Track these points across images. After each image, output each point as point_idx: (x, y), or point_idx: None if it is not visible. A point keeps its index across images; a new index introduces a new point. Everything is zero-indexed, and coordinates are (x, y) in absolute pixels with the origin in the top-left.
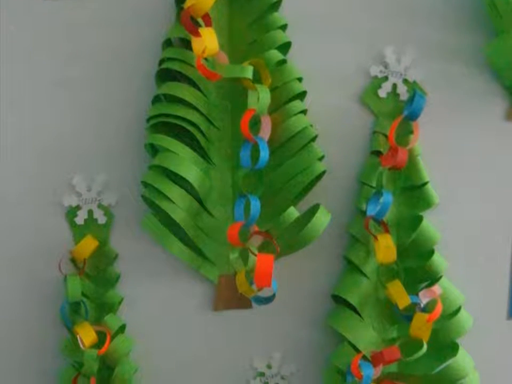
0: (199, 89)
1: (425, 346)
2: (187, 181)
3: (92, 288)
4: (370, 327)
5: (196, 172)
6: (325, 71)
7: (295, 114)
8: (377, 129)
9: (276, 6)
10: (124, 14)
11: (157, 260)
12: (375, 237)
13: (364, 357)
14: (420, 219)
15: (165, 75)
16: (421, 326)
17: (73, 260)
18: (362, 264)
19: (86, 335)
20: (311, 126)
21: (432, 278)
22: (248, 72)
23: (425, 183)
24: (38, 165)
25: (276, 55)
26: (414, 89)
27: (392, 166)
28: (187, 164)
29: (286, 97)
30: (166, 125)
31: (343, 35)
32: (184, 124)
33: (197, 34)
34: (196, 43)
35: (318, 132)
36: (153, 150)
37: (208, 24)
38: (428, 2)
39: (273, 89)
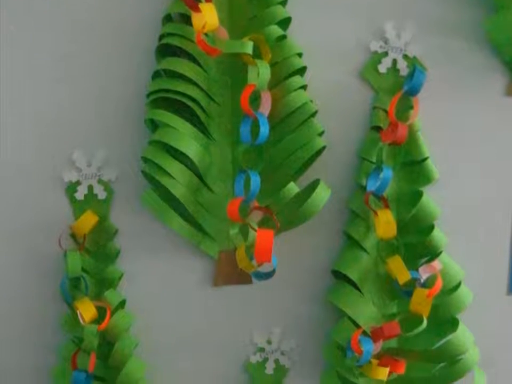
0: (199, 64)
1: (425, 322)
2: (187, 157)
3: (92, 263)
4: (370, 302)
5: (195, 147)
6: (325, 47)
7: (295, 90)
8: (377, 105)
9: None
10: None
11: (157, 235)
12: (375, 212)
13: (364, 332)
14: (420, 194)
15: (165, 50)
16: (421, 302)
17: (73, 235)
18: (362, 240)
19: (86, 310)
20: (311, 101)
21: (432, 253)
22: (248, 47)
23: (425, 159)
24: (38, 140)
25: (275, 30)
26: (414, 65)
27: (392, 142)
28: (187, 139)
29: (286, 72)
30: (166, 100)
31: (343, 10)
32: (184, 99)
33: (197, 9)
34: (196, 18)
35: (318, 107)
36: (153, 125)
37: None
38: None
39: (273, 65)
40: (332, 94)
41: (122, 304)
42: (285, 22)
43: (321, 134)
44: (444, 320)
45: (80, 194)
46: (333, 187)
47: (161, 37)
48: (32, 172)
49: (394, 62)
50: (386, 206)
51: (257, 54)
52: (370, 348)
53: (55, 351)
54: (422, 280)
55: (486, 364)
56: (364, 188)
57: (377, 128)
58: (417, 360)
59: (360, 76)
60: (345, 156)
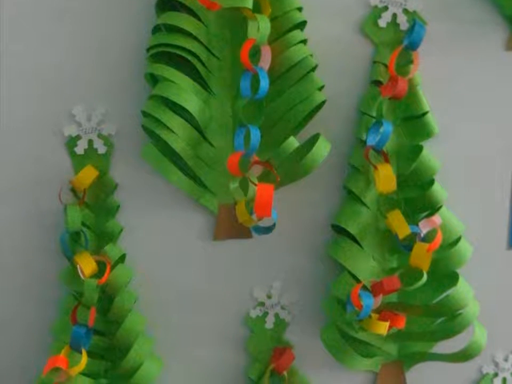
0: (199, 19)
1: (425, 276)
2: (187, 111)
3: (92, 217)
4: (370, 257)
5: (195, 102)
6: (325, 1)
7: (295, 44)
8: (377, 59)
9: None
10: None
11: (157, 189)
12: (375, 167)
13: (364, 287)
14: (419, 149)
15: (165, 5)
16: (421, 256)
17: (73, 190)
18: (362, 194)
19: (86, 264)
20: (311, 56)
21: (432, 208)
22: (248, 1)
23: (425, 113)
24: (38, 94)
25: None
26: (414, 19)
27: (392, 96)
28: (187, 94)
29: (286, 27)
30: (166, 55)
31: None
32: (184, 54)
33: None
34: None
35: (318, 62)
36: (153, 80)
37: None
38: None
39: (273, 19)
40: (332, 49)
41: (122, 258)
42: None
43: (321, 88)
44: (444, 275)
45: (80, 148)
46: (332, 141)
47: None
48: (32, 127)
49: (394, 16)
50: (386, 161)
51: (257, 8)
52: (370, 302)
53: (55, 305)
54: (422, 235)
55: (486, 318)
56: (363, 142)
57: (377, 83)
58: (417, 314)
59: (360, 30)
60: (345, 110)
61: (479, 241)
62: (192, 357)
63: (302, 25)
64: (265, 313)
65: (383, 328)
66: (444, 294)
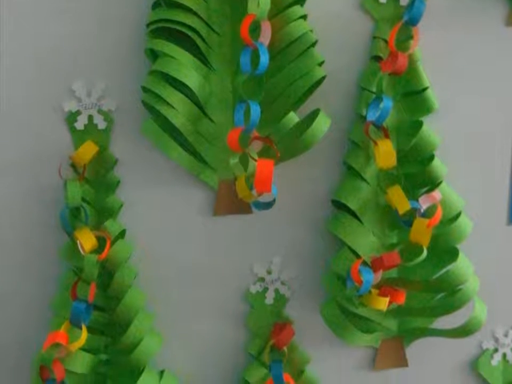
0: None
1: (425, 252)
2: (187, 87)
3: (92, 193)
4: (370, 232)
5: (195, 77)
6: None
7: (295, 20)
8: (377, 35)
9: None
10: None
11: (157, 165)
12: (375, 142)
13: (364, 262)
14: (419, 124)
15: None
16: (421, 231)
17: (73, 165)
18: (362, 170)
19: (86, 240)
20: (311, 31)
21: (432, 183)
22: None
23: (425, 89)
24: (38, 70)
25: None
26: None
27: (392, 71)
28: (187, 69)
29: (286, 2)
30: (166, 30)
31: None
32: (183, 29)
33: None
34: None
35: (318, 37)
36: (153, 55)
37: None
38: None
39: None
40: (332, 24)
41: (122, 234)
42: None
43: (321, 64)
44: (444, 250)
45: (80, 124)
46: (332, 117)
47: None
48: (32, 102)
49: None
50: (386, 136)
51: None
52: (370, 277)
53: (55, 281)
54: (422, 210)
55: (486, 294)
56: (364, 118)
57: (377, 58)
58: (417, 290)
59: (360, 5)
60: (345, 85)
61: (479, 217)
62: (192, 332)
63: (302, 0)
64: (265, 289)
65: (383, 303)
66: (444, 270)
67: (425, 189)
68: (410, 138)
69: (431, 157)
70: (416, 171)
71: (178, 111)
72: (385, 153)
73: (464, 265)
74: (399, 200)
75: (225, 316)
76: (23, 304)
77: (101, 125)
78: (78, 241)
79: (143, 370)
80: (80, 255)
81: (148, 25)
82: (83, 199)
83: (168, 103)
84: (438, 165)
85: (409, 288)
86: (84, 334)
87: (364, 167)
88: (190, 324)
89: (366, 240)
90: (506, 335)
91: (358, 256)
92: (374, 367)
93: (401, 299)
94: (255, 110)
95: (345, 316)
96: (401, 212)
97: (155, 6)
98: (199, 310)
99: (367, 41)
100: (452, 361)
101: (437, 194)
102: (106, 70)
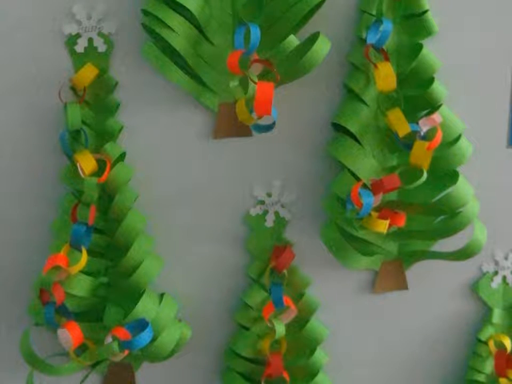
0: None
1: (425, 174)
2: (187, 9)
3: (92, 116)
4: (370, 155)
5: (195, 0)
6: None
7: None
8: None
9: None
10: None
11: (157, 88)
12: (375, 65)
13: (364, 185)
14: (420, 47)
15: None
16: (421, 154)
17: (73, 88)
18: (362, 92)
19: (86, 162)
20: None
21: (432, 106)
22: None
23: (425, 11)
24: None
25: None
26: None
27: None
28: None
29: None
30: None
31: None
32: None
33: None
34: None
35: None
36: None
37: None
38: None
39: None
40: None
41: (122, 157)
42: None
43: None
44: (444, 173)
45: (80, 47)
46: (333, 40)
47: None
48: (31, 25)
49: None
50: (386, 59)
51: None
52: (370, 200)
53: (55, 204)
54: (422, 133)
55: (486, 217)
56: (364, 41)
57: None
58: (417, 213)
59: None
60: (345, 8)
61: (479, 140)
62: (192, 255)
63: None
64: (265, 212)
65: (383, 226)
66: (444, 193)
67: (425, 112)
68: (410, 61)
69: (431, 80)
70: (416, 94)
71: (178, 34)
72: (385, 76)
73: (464, 188)
74: (399, 123)
75: (225, 238)
76: (23, 227)
77: (101, 47)
78: (78, 164)
79: (143, 293)
80: (80, 178)
81: None
82: (83, 122)
83: (168, 26)
84: (438, 87)
85: (409, 211)
86: (84, 257)
87: (364, 89)
88: (190, 247)
89: (366, 163)
90: (506, 258)
91: (358, 179)
92: (374, 290)
93: (401, 222)
94: (255, 33)
95: (345, 238)
96: (401, 134)
97: None
98: (199, 233)
99: None
100: (452, 284)
101: (437, 117)
102: None
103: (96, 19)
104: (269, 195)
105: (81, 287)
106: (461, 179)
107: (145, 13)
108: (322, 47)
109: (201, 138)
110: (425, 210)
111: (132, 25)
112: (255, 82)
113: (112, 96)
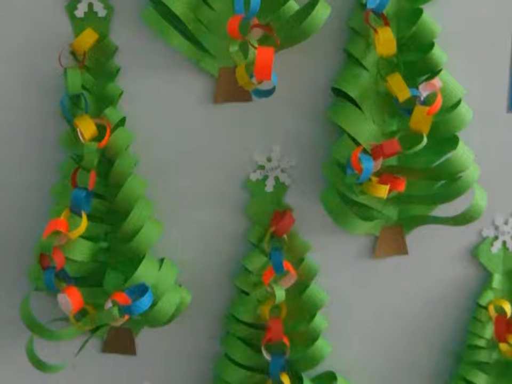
0: None
1: (425, 139)
2: None
3: (92, 81)
4: (370, 120)
5: None
6: None
7: None
8: None
9: None
10: None
11: (157, 53)
12: (375, 30)
13: (364, 150)
14: (420, 12)
15: None
16: (421, 119)
17: (73, 53)
18: (363, 57)
19: (86, 127)
20: None
21: (432, 71)
22: None
23: None
24: None
25: None
26: None
27: None
28: None
29: None
30: None
31: None
32: None
33: None
34: None
35: None
36: None
37: None
38: None
39: None
40: None
41: (122, 122)
42: None
43: None
44: (444, 138)
45: (80, 12)
46: (332, 5)
47: None
48: None
49: None
50: (386, 24)
51: None
52: (370, 165)
53: (55, 169)
54: (422, 98)
55: (486, 182)
56: (364, 6)
57: None
58: (417, 178)
59: None
60: None
61: (479, 105)
62: (192, 220)
63: None
64: (265, 177)
65: (383, 191)
66: (444, 157)
67: (425, 77)
68: (410, 26)
69: (431, 45)
70: (416, 59)
71: None
72: (385, 40)
73: (464, 153)
74: (399, 87)
75: (225, 203)
76: (24, 192)
77: (101, 12)
78: (78, 129)
79: (143, 258)
80: (80, 142)
81: None
82: (83, 87)
83: None
84: (438, 52)
85: (409, 176)
86: (84, 222)
87: (364, 54)
88: (190, 212)
89: (366, 127)
90: (506, 223)
91: (358, 143)
92: (374, 255)
93: (401, 187)
94: None
95: (345, 203)
96: (401, 99)
97: None
98: (199, 198)
99: None
100: (452, 249)
101: (437, 81)
102: None
103: None
104: (269, 160)
105: (81, 252)
106: (461, 144)
107: None
108: (322, 12)
109: (201, 103)
110: (425, 175)
111: None
112: (255, 47)
113: (112, 61)
